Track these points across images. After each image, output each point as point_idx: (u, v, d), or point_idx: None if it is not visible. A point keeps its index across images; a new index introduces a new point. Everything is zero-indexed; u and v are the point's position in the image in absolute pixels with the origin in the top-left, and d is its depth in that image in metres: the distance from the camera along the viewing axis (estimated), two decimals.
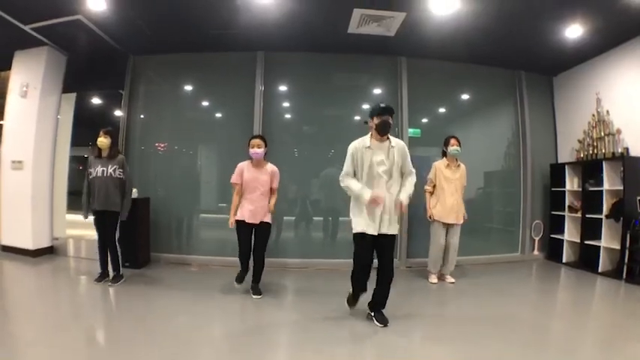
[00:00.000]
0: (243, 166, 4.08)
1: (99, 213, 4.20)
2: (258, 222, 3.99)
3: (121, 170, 4.22)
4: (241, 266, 4.12)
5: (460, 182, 4.72)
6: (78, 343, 2.81)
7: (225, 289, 4.20)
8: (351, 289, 3.42)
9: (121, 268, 4.40)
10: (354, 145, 3.29)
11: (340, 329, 3.15)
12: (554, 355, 2.72)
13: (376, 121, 3.20)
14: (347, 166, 3.30)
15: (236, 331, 3.17)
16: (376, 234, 3.18)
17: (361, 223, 3.21)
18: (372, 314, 3.30)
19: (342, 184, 3.34)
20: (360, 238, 3.22)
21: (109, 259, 4.31)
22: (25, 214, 5.45)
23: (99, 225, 4.25)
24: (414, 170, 3.36)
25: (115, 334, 3.13)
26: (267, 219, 4.05)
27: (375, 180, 3.20)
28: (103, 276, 4.31)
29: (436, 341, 3.02)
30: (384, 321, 3.20)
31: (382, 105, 3.21)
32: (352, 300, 3.45)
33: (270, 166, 4.11)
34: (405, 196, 3.22)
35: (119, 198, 4.24)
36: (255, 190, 3.99)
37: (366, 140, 3.27)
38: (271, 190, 4.11)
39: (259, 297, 3.98)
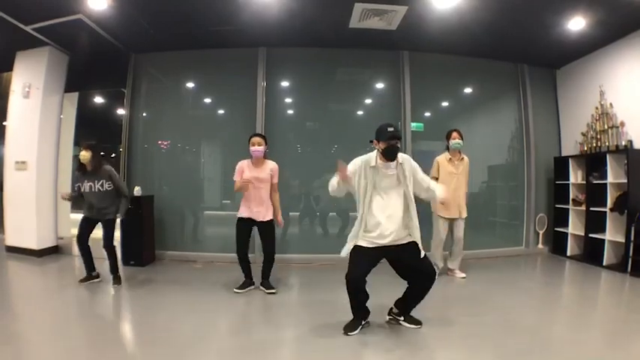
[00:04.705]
0: (244, 164, 4.06)
1: (89, 219, 4.19)
2: (259, 219, 4.00)
3: (109, 183, 4.13)
4: (244, 274, 4.13)
5: (463, 176, 4.68)
6: (83, 343, 2.83)
7: (230, 286, 4.21)
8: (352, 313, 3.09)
9: (119, 271, 4.33)
10: (356, 163, 2.99)
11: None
12: (560, 350, 2.72)
13: (382, 145, 2.90)
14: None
15: (243, 329, 3.18)
16: (385, 243, 2.92)
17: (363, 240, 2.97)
18: (401, 318, 3.13)
19: (330, 189, 3.07)
20: (360, 251, 2.96)
21: (93, 260, 4.26)
22: (29, 214, 5.48)
23: (84, 226, 4.19)
24: (432, 182, 3.14)
25: (121, 333, 3.16)
26: (269, 217, 4.04)
27: (381, 197, 2.96)
28: (88, 278, 4.26)
29: (445, 342, 3.01)
30: (417, 322, 3.10)
31: (390, 130, 2.89)
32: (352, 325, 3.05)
33: (270, 163, 4.09)
34: (440, 193, 3.09)
35: (113, 206, 4.19)
36: (256, 189, 3.98)
37: (371, 159, 2.96)
38: (272, 187, 4.08)
39: (274, 291, 4.02)
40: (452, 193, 4.55)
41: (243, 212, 4.02)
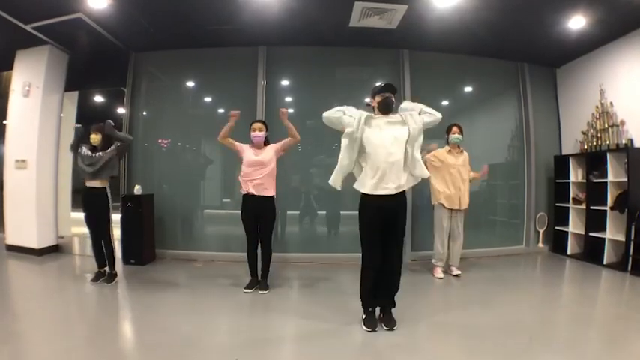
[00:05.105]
0: (247, 147, 4.10)
1: (87, 197, 4.17)
2: (260, 193, 3.96)
3: (105, 151, 4.12)
4: (250, 272, 4.14)
5: (464, 168, 4.65)
6: (83, 342, 2.83)
7: (230, 285, 4.22)
8: (362, 304, 3.14)
9: (114, 266, 4.33)
10: (360, 111, 3.08)
11: (346, 331, 3.12)
12: (560, 349, 2.72)
13: (378, 99, 3.05)
14: (344, 110, 3.10)
15: (243, 327, 3.18)
16: (386, 193, 2.95)
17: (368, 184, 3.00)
18: (382, 315, 3.16)
19: (326, 118, 3.18)
20: (367, 219, 3.01)
21: (104, 255, 4.28)
22: (29, 213, 5.47)
23: (89, 219, 4.20)
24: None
25: (121, 332, 3.16)
26: (270, 194, 4.02)
27: (384, 154, 2.97)
28: (98, 276, 4.29)
29: (445, 341, 3.02)
30: (390, 324, 3.05)
31: (383, 83, 3.07)
32: (369, 319, 3.08)
33: (268, 146, 4.11)
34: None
35: (106, 169, 4.15)
36: (256, 172, 3.97)
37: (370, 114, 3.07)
38: (287, 143, 4.09)
39: (266, 292, 3.99)
40: (450, 184, 4.58)
41: (247, 191, 4.00)
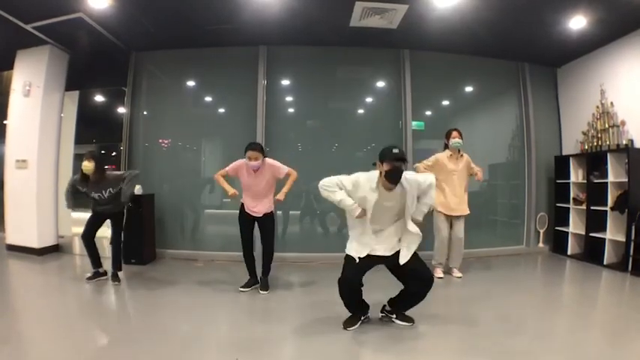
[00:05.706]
0: (244, 167, 3.91)
1: (99, 215, 4.20)
2: (260, 215, 3.99)
3: (111, 189, 4.07)
4: (249, 272, 4.16)
5: (465, 173, 4.65)
6: (84, 342, 2.83)
7: (230, 285, 4.22)
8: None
9: (122, 268, 4.36)
10: (359, 178, 2.90)
11: (346, 331, 3.11)
12: (561, 349, 2.71)
13: (386, 167, 2.76)
14: (341, 181, 2.91)
15: (243, 327, 3.18)
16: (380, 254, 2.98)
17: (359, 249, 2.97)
18: (394, 316, 3.14)
19: (323, 192, 2.95)
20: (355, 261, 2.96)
21: (99, 255, 4.31)
22: (30, 212, 5.48)
23: (93, 222, 4.20)
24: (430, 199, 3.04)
25: (121, 332, 3.15)
26: (268, 210, 4.03)
27: (377, 220, 2.92)
28: (96, 275, 4.31)
29: (445, 341, 3.01)
30: (410, 320, 3.09)
31: (395, 151, 2.76)
32: (351, 318, 3.11)
33: (267, 168, 3.92)
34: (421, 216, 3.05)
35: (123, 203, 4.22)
36: (255, 191, 3.96)
37: (373, 180, 2.86)
38: (286, 176, 3.98)
39: (266, 292, 3.99)
40: (452, 190, 4.57)
41: (245, 206, 4.01)
